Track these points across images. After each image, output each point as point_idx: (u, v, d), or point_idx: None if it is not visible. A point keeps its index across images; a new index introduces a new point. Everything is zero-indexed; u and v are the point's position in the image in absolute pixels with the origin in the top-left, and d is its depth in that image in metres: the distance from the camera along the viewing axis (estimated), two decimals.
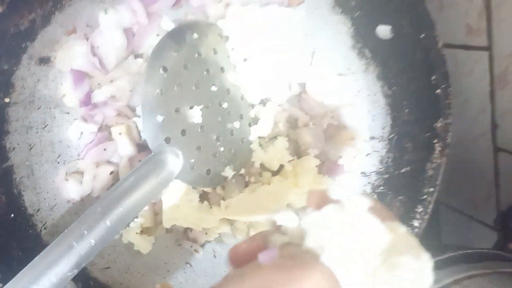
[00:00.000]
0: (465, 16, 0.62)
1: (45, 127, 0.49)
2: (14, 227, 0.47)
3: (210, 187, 0.54)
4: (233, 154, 0.53)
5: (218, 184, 0.53)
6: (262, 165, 0.55)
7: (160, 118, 0.45)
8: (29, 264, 0.40)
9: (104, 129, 0.52)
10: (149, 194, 0.45)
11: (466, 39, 0.64)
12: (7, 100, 0.45)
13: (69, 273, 0.41)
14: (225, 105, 0.52)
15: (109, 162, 0.52)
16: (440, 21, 0.66)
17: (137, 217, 0.53)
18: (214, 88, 0.51)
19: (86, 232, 0.42)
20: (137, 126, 0.53)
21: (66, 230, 0.41)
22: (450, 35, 0.66)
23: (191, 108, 0.48)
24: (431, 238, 0.76)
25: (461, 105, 0.70)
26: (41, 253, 0.40)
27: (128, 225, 0.53)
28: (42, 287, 0.39)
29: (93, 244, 0.42)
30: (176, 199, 0.51)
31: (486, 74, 0.62)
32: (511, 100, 0.61)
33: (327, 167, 0.56)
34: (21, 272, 0.39)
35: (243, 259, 0.29)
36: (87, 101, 0.49)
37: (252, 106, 0.56)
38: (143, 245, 0.53)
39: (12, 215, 0.46)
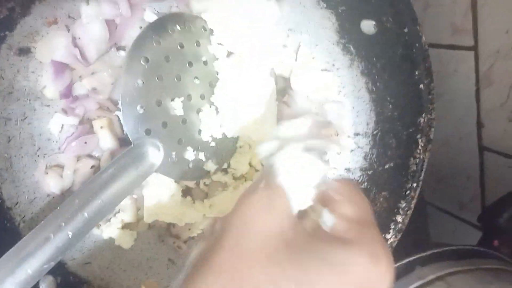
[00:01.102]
0: (451, 16, 0.62)
1: (24, 119, 0.49)
2: None
3: (192, 180, 0.53)
4: (216, 148, 0.53)
5: (200, 179, 0.53)
6: None
7: (140, 109, 0.45)
8: (4, 255, 0.39)
9: (86, 122, 0.51)
10: (128, 186, 0.44)
11: (452, 38, 0.64)
12: None
13: (45, 266, 0.40)
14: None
15: (90, 156, 0.52)
16: (425, 21, 0.67)
17: (118, 211, 0.53)
18: (196, 81, 0.51)
19: (63, 224, 0.41)
20: (119, 120, 0.53)
21: (42, 222, 0.41)
22: (435, 34, 0.66)
23: (172, 100, 0.48)
24: (420, 236, 0.76)
25: (446, 105, 0.70)
26: (16, 244, 0.40)
27: (106, 218, 0.52)
28: (17, 279, 0.39)
29: (70, 237, 0.42)
30: (158, 194, 0.50)
31: (471, 73, 0.62)
32: (496, 99, 0.61)
33: None
34: None
35: None
36: (67, 93, 0.49)
37: None
38: (125, 240, 0.52)
39: None
